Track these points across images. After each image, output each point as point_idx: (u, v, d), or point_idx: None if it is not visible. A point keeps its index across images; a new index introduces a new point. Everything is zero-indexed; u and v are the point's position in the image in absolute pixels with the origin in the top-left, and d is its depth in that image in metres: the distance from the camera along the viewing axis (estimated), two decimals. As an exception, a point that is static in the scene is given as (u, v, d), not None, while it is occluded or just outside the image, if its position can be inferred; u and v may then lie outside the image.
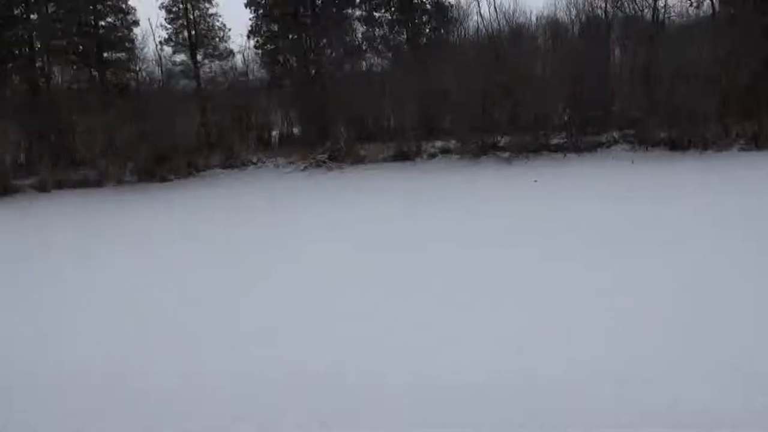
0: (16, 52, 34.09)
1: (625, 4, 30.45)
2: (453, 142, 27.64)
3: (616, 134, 26.02)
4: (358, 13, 35.20)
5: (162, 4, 35.13)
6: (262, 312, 10.43)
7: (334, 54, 34.06)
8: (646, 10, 29.88)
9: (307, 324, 9.60)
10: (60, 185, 29.05)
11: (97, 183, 28.96)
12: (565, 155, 24.83)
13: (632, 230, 13.43)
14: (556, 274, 10.86)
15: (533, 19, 33.20)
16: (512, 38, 31.85)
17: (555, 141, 26.15)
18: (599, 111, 26.59)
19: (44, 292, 12.69)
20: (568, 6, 31.71)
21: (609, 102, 27.62)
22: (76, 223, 22.09)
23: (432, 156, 27.61)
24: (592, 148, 25.26)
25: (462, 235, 14.43)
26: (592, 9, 31.02)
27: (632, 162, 22.73)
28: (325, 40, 33.96)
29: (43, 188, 28.84)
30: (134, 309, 10.91)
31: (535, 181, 20.50)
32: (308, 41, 34.26)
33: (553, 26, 32.96)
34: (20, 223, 23.01)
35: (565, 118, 28.01)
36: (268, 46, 35.05)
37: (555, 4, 33.20)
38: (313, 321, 9.67)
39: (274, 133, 34.45)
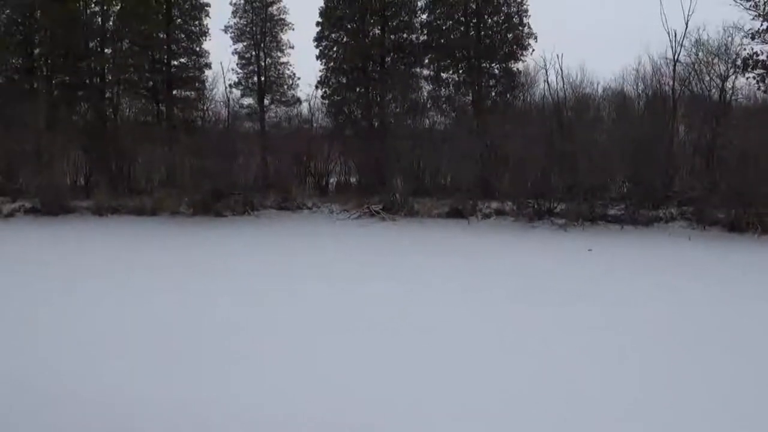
0: (88, 81, 35.02)
1: (693, 82, 30.29)
2: (509, 204, 27.25)
3: (674, 210, 25.46)
4: (425, 72, 35.62)
5: (235, 50, 36.33)
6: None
7: (398, 109, 34.32)
8: (713, 90, 29.63)
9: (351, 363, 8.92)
10: (116, 210, 29.32)
11: (153, 212, 29.10)
12: (622, 227, 24.20)
13: (689, 313, 12.15)
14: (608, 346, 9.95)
15: (599, 90, 33.19)
16: (577, 107, 31.76)
17: (612, 212, 25.62)
18: (659, 186, 26.05)
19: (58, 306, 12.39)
20: (635, 80, 31.68)
21: (669, 178, 27.12)
22: (122, 245, 22.08)
23: (486, 216, 27.20)
24: (649, 222, 24.66)
25: (516, 296, 13.44)
26: (660, 85, 30.92)
27: (689, 239, 21.99)
28: (390, 96, 34.32)
29: (98, 212, 29.12)
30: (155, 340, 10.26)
31: (590, 250, 19.81)
32: (374, 95, 34.66)
33: (618, 99, 32.85)
34: (61, 240, 23.20)
35: (624, 190, 27.56)
36: (335, 97, 35.55)
37: (623, 77, 32.82)
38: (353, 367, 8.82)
39: (331, 180, 34.65)
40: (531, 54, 34.14)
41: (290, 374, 8.47)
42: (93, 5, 35.24)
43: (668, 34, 28.68)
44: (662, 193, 26.13)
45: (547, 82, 32.48)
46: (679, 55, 28.94)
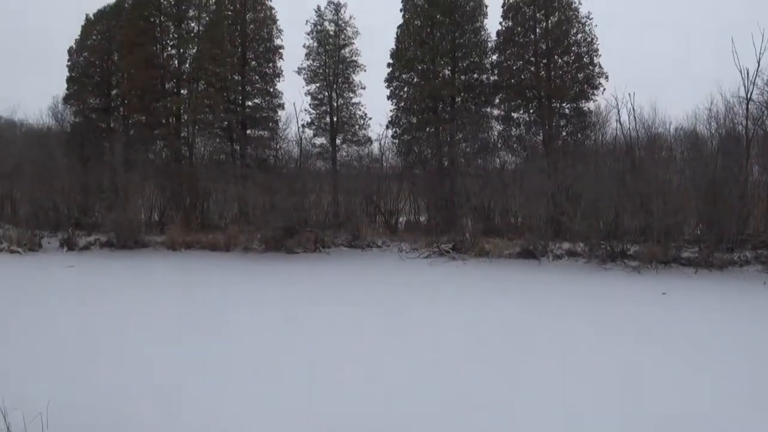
0: (164, 121, 35.82)
1: (766, 121, 29.58)
2: (581, 245, 26.75)
3: (749, 253, 24.59)
4: (496, 112, 35.65)
5: (308, 91, 36.96)
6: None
7: (468, 148, 34.32)
8: (788, 130, 28.87)
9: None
10: (189, 245, 29.79)
11: (225, 248, 29.43)
12: (695, 270, 23.53)
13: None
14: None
15: (672, 129, 32.63)
16: (649, 147, 31.28)
17: (686, 254, 24.94)
18: (733, 228, 25.35)
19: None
20: (708, 119, 31.03)
21: (744, 220, 26.38)
22: (189, 279, 22.43)
23: (558, 257, 26.71)
24: (723, 265, 23.83)
25: (588, 341, 13.08)
26: (733, 125, 30.17)
27: (765, 284, 21.25)
28: (461, 135, 34.35)
29: (171, 246, 29.63)
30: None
31: (664, 293, 19.32)
32: (445, 135, 34.73)
33: (691, 138, 32.28)
34: (123, 271, 23.77)
35: (698, 232, 26.89)
36: (405, 136, 35.79)
37: (695, 116, 32.23)
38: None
39: (401, 219, 34.70)
40: (602, 93, 33.78)
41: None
42: (170, 48, 36.28)
43: (740, 72, 27.96)
44: (736, 235, 25.43)
45: (619, 121, 32.01)
46: (752, 93, 28.05)
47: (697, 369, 10.79)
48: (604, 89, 33.73)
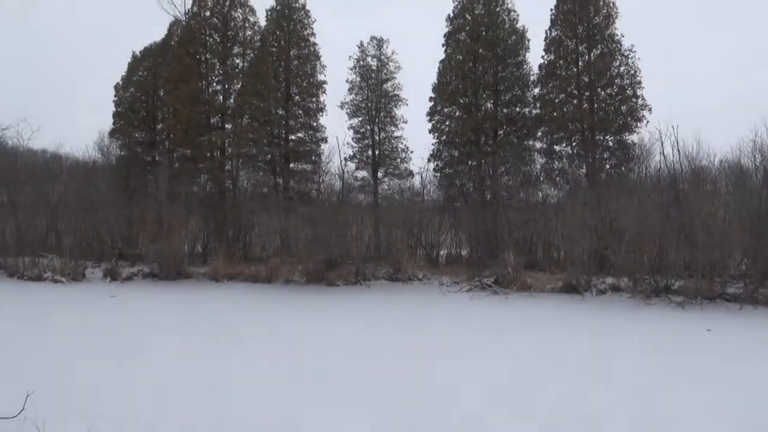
0: (208, 154, 36.23)
1: (811, 154, 28.98)
2: (624, 280, 26.25)
3: (794, 289, 24.13)
4: (538, 145, 35.62)
5: (351, 125, 37.51)
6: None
7: (511, 182, 34.19)
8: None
9: None
10: (231, 277, 29.92)
11: (267, 280, 29.50)
12: (741, 307, 22.92)
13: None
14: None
15: (716, 162, 32.12)
16: (693, 180, 30.80)
17: (731, 290, 24.33)
18: (779, 262, 24.78)
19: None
20: (752, 152, 30.49)
21: (789, 254, 25.79)
22: (234, 313, 22.22)
23: (601, 292, 26.23)
24: (768, 301, 23.41)
25: (633, 378, 12.83)
26: (778, 157, 29.68)
27: None
28: (503, 168, 34.26)
29: (214, 277, 29.77)
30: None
31: (709, 330, 18.85)
32: (487, 168, 34.64)
33: (736, 171, 31.70)
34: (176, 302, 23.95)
35: (743, 267, 26.29)
36: (447, 170, 35.89)
37: (740, 148, 31.74)
38: None
39: (442, 252, 34.50)
40: (646, 125, 33.69)
41: None
42: (215, 84, 36.89)
43: (785, 103, 27.79)
44: (782, 270, 24.84)
45: (663, 154, 31.77)
46: (796, 124, 27.91)
47: (740, 407, 10.45)
48: (648, 122, 33.69)
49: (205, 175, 36.29)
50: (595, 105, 34.07)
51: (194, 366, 12.87)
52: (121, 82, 39.35)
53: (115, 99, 39.28)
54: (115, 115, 38.96)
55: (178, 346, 15.13)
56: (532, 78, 35.57)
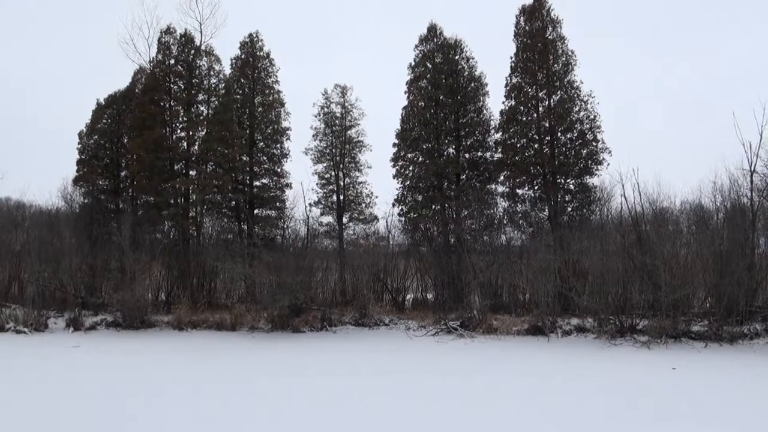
0: (172, 201, 36.07)
1: (772, 194, 29.65)
2: (589, 320, 26.67)
3: (758, 326, 24.64)
4: (501, 189, 35.93)
5: (315, 171, 37.72)
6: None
7: (474, 225, 34.43)
8: (794, 203, 28.91)
9: None
10: (195, 325, 29.75)
11: (232, 327, 29.37)
12: (706, 344, 23.33)
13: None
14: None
15: (677, 203, 32.72)
16: (655, 221, 31.31)
17: (695, 328, 24.80)
18: (742, 300, 25.22)
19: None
20: (713, 192, 31.11)
21: (752, 292, 26.25)
22: (193, 362, 22.05)
23: (567, 333, 26.54)
24: (733, 338, 23.75)
25: (600, 417, 13.06)
26: (738, 197, 30.25)
27: None
28: (466, 212, 34.56)
29: (178, 326, 29.62)
30: None
31: (674, 368, 19.16)
32: (450, 212, 34.93)
33: (697, 212, 32.30)
34: (131, 354, 23.56)
35: (707, 305, 26.73)
36: (411, 214, 36.04)
37: (700, 189, 32.46)
38: None
39: (408, 296, 34.56)
40: (606, 168, 34.25)
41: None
42: (179, 131, 37.04)
43: (743, 145, 28.34)
44: (745, 307, 25.29)
45: (624, 196, 32.21)
46: (755, 165, 28.35)
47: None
48: (608, 164, 34.20)
49: (169, 222, 36.09)
50: (556, 149, 34.59)
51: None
52: (85, 130, 39.13)
53: (79, 146, 39.00)
54: (79, 162, 38.63)
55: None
56: (493, 123, 36.10)
